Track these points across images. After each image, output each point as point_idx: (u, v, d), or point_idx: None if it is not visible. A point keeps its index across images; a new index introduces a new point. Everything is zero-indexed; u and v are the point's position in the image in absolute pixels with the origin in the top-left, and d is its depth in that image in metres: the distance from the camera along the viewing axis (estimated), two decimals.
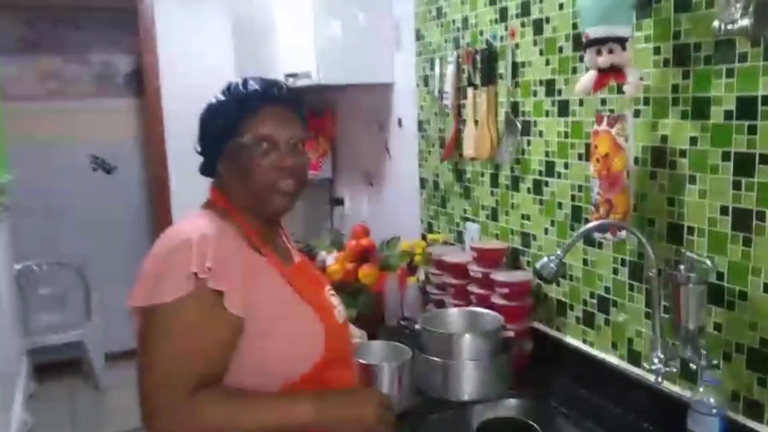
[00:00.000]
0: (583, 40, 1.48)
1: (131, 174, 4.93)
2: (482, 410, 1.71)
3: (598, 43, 1.44)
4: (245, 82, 1.29)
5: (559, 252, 1.49)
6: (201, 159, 1.34)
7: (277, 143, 1.26)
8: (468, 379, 1.72)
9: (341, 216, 3.36)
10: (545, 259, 1.50)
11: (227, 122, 1.26)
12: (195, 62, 3.80)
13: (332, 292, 1.41)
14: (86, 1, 4.36)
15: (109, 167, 4.97)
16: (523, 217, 2.00)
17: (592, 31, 1.45)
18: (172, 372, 1.10)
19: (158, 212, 3.97)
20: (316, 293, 1.33)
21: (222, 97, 1.29)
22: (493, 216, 2.14)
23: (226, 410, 1.11)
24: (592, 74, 1.48)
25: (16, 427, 2.00)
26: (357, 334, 1.89)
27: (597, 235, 1.60)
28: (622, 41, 1.42)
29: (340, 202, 3.36)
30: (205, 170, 1.34)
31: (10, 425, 1.96)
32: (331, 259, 2.29)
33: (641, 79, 1.46)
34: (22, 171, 4.13)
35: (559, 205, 1.83)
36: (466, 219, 2.29)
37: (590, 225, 1.49)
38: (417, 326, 1.85)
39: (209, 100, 1.32)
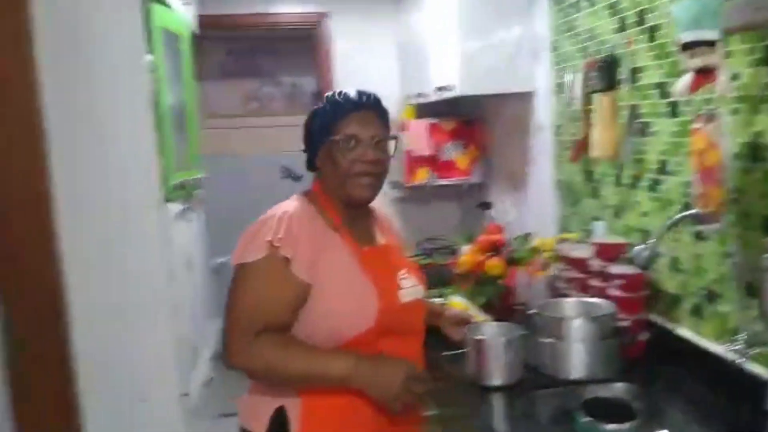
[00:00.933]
0: (678, 45, 1.59)
1: None
2: (588, 389, 1.83)
3: (690, 46, 1.55)
4: (340, 93, 1.54)
5: (651, 241, 1.61)
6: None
7: (361, 140, 1.49)
8: (575, 360, 1.86)
9: (491, 219, 3.57)
10: (638, 247, 1.63)
11: (324, 124, 1.52)
12: (364, 80, 4.21)
13: (405, 276, 1.57)
14: (278, 31, 5.00)
15: (296, 176, 5.61)
16: (642, 214, 2.09)
17: (684, 36, 1.56)
18: (243, 317, 1.39)
19: None
20: (383, 274, 1.51)
21: (322, 105, 1.55)
22: (617, 214, 2.25)
23: (280, 353, 1.37)
24: (688, 76, 1.59)
25: (201, 378, 2.51)
26: (480, 318, 2.14)
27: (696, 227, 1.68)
28: (711, 44, 1.52)
29: (489, 206, 3.57)
30: (309, 165, 1.60)
31: (197, 376, 2.45)
32: (464, 251, 2.53)
33: (733, 78, 1.54)
34: (223, 178, 4.85)
35: (672, 201, 1.91)
36: (595, 218, 2.41)
37: (678, 216, 1.59)
38: (532, 311, 2.03)
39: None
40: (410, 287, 1.56)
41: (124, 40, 1.97)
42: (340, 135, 1.49)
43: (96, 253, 2.00)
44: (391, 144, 1.56)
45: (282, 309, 1.40)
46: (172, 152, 2.03)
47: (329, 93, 1.57)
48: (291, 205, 1.50)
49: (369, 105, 1.53)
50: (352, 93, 1.53)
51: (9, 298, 1.93)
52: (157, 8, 2.04)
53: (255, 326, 1.38)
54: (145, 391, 2.22)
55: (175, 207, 2.11)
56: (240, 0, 4.09)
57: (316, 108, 1.57)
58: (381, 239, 1.62)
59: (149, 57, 1.99)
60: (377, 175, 1.52)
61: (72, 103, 1.96)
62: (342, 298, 1.43)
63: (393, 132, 1.60)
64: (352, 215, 1.55)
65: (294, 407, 1.43)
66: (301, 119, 5.37)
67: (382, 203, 1.71)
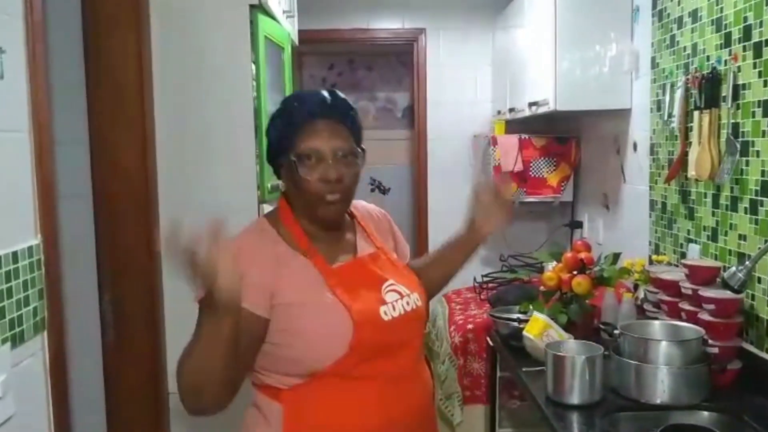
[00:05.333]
0: None
1: (402, 194, 5.59)
2: (670, 415, 1.77)
3: None
4: (298, 97, 1.36)
5: (747, 263, 1.54)
6: None
7: (322, 156, 1.30)
8: (659, 384, 1.80)
9: (580, 238, 3.49)
10: (733, 268, 1.56)
11: (278, 138, 1.35)
12: (457, 95, 4.25)
13: (392, 287, 1.40)
14: (378, 47, 5.13)
15: (385, 189, 5.70)
16: (740, 237, 2.00)
17: None
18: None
19: (419, 228, 4.47)
20: (358, 292, 1.33)
21: (276, 115, 1.37)
22: (713, 237, 2.16)
23: (184, 353, 1.20)
24: None
25: None
26: (562, 336, 2.12)
27: None
28: None
29: (578, 224, 3.50)
30: (278, 176, 1.43)
31: None
32: (549, 268, 2.49)
33: None
34: None
35: None
36: (689, 240, 2.32)
37: None
38: (616, 331, 1.98)
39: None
40: (397, 300, 1.38)
41: (231, 50, 2.10)
42: (295, 153, 1.31)
43: None
44: (359, 156, 1.37)
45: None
46: None
47: (286, 99, 1.39)
48: (246, 231, 1.39)
49: (330, 111, 1.33)
50: (311, 98, 1.34)
51: (115, 284, 2.08)
52: (262, 19, 2.15)
53: None
54: None
55: (269, 208, 2.20)
56: (340, 15, 4.22)
57: (273, 115, 1.38)
58: (365, 248, 1.45)
59: (253, 66, 2.10)
60: (344, 191, 1.34)
61: (180, 107, 2.10)
62: (307, 327, 1.28)
63: (363, 141, 1.41)
64: (323, 231, 1.39)
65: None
66: (392, 134, 5.50)
67: (379, 201, 1.57)
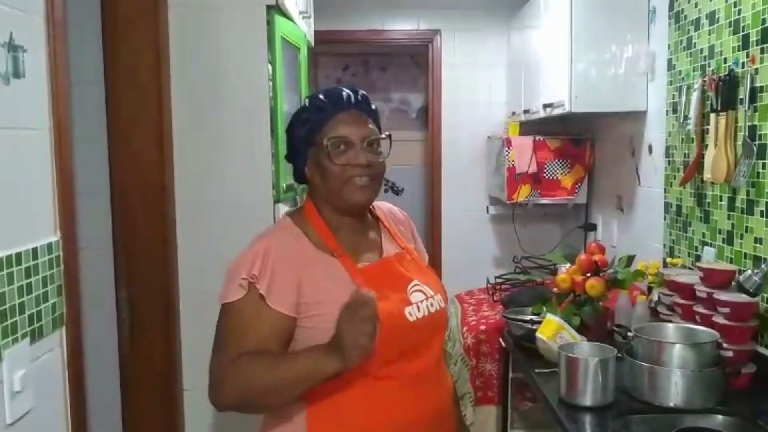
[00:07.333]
0: None
1: (416, 195, 5.58)
2: (683, 418, 1.76)
3: None
4: (324, 93, 1.40)
5: (763, 266, 1.53)
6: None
7: (351, 143, 1.35)
8: (673, 387, 1.79)
9: (594, 240, 3.48)
10: (748, 272, 1.56)
11: (309, 130, 1.38)
12: (471, 97, 4.25)
13: (418, 288, 1.41)
14: (392, 47, 5.13)
15: (398, 189, 5.70)
16: (755, 240, 1.98)
17: None
18: (222, 356, 1.30)
19: (432, 229, 4.48)
20: (384, 292, 1.33)
21: (302, 110, 1.42)
22: (729, 240, 2.14)
23: (250, 365, 1.27)
24: None
25: None
26: (575, 338, 2.11)
27: None
28: None
29: (593, 227, 3.49)
30: (297, 177, 1.48)
31: None
32: (562, 269, 2.49)
33: None
34: None
35: None
36: (704, 243, 2.31)
37: None
38: (630, 334, 1.97)
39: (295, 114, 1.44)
40: (422, 301, 1.39)
41: (248, 50, 2.11)
42: (326, 139, 1.35)
43: (208, 248, 2.13)
44: (385, 144, 1.42)
45: (260, 343, 1.30)
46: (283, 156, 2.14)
47: (311, 95, 1.44)
48: (272, 231, 1.43)
49: (356, 103, 1.40)
50: (336, 92, 1.40)
51: (131, 281, 2.10)
52: (279, 20, 2.17)
53: (231, 358, 1.29)
54: None
55: (284, 208, 2.21)
56: (355, 17, 4.23)
57: (297, 112, 1.44)
58: (390, 248, 1.47)
59: (269, 66, 2.12)
60: (373, 177, 1.38)
61: (197, 106, 2.12)
62: (333, 327, 1.24)
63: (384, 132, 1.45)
64: (349, 229, 1.42)
65: None
66: (406, 135, 5.50)
67: (403, 206, 1.61)
